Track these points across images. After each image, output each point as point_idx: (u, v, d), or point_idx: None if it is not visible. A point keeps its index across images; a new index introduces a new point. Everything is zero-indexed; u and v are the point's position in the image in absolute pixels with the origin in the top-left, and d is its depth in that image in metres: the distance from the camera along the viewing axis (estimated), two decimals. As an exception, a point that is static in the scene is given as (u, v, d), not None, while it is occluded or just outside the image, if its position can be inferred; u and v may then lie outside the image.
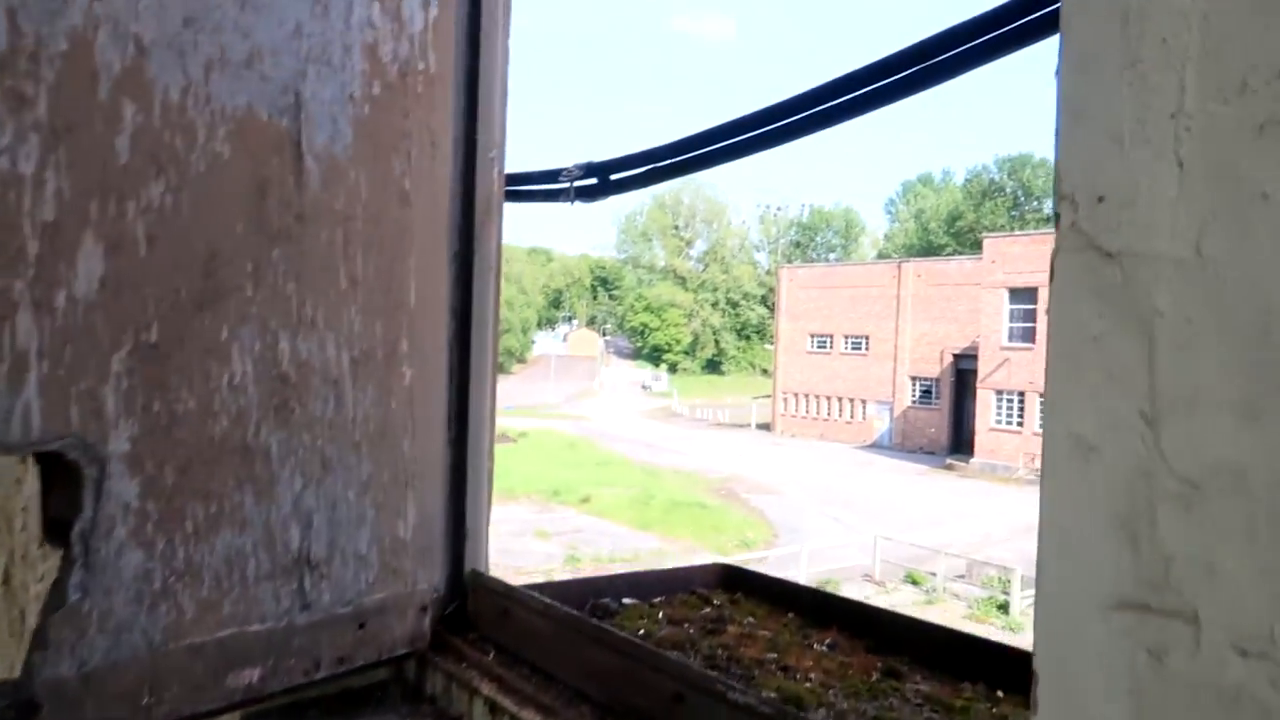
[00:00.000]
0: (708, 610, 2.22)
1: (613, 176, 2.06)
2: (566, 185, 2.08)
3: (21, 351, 1.26)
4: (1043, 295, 42.80)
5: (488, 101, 1.91)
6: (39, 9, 1.22)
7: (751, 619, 2.17)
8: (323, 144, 1.60)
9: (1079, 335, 0.69)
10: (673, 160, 1.97)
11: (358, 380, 1.70)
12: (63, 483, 1.36)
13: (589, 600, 2.16)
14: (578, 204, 2.10)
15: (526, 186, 2.17)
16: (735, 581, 2.40)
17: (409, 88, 1.74)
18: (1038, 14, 1.23)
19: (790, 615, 2.18)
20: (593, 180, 2.08)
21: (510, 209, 2.39)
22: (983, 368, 46.67)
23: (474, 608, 1.93)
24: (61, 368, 1.30)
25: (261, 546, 1.58)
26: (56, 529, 1.38)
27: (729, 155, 1.86)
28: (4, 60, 1.19)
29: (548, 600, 1.78)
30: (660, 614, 2.17)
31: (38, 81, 1.23)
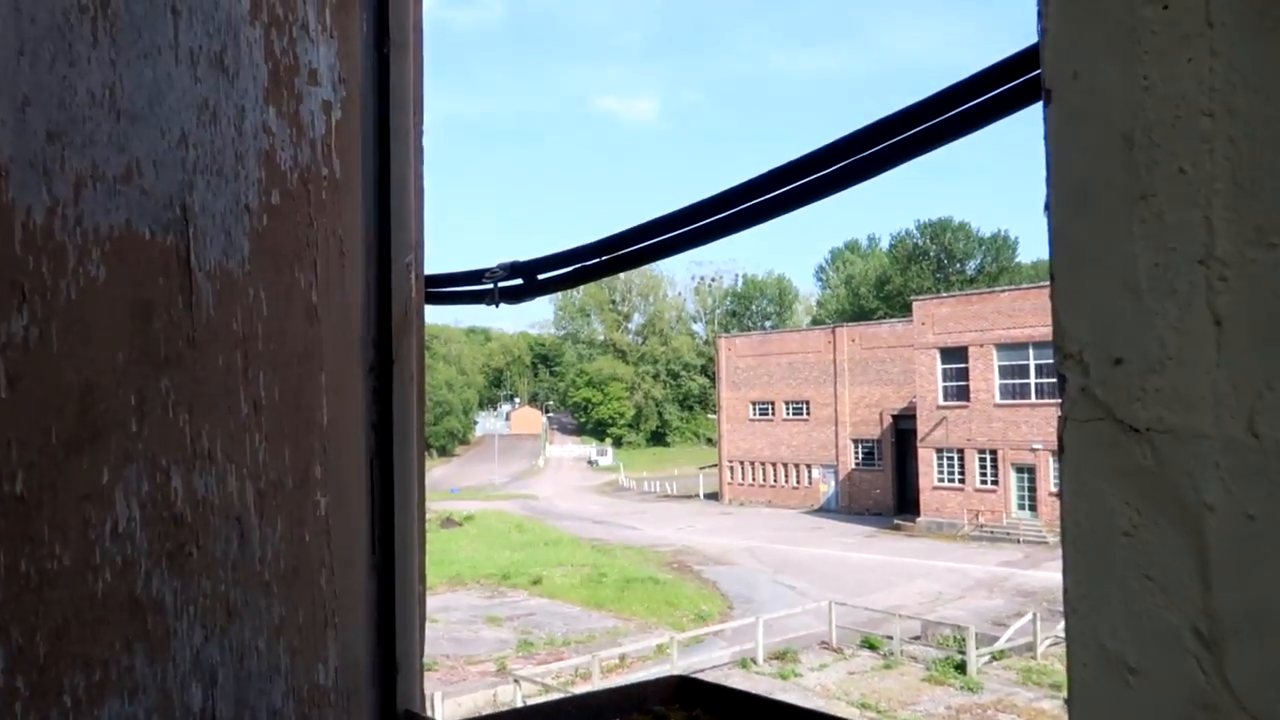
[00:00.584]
0: (664, 731, 2.05)
1: (539, 276, 1.96)
2: (490, 286, 1.97)
3: None
4: (972, 353, 43.74)
5: (400, 204, 1.80)
6: None
7: (711, 738, 2.00)
8: (216, 259, 1.47)
9: (1105, 527, 0.56)
10: (600, 259, 1.87)
11: (265, 514, 1.54)
12: (-92, 666, 1.17)
13: (534, 729, 1.98)
14: (503, 306, 1.99)
15: (449, 289, 2.05)
16: (693, 696, 2.23)
17: (312, 195, 1.61)
18: (1012, 84, 1.15)
19: (752, 731, 2.02)
20: (518, 281, 1.97)
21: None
22: (921, 427, 47.28)
23: (406, 754, 1.74)
24: (-97, 534, 1.13)
25: (156, 712, 1.39)
26: (-98, 719, 1.19)
27: (661, 252, 1.77)
28: None
29: (485, 745, 1.60)
30: (613, 740, 1.99)
31: None
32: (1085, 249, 0.58)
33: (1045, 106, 0.59)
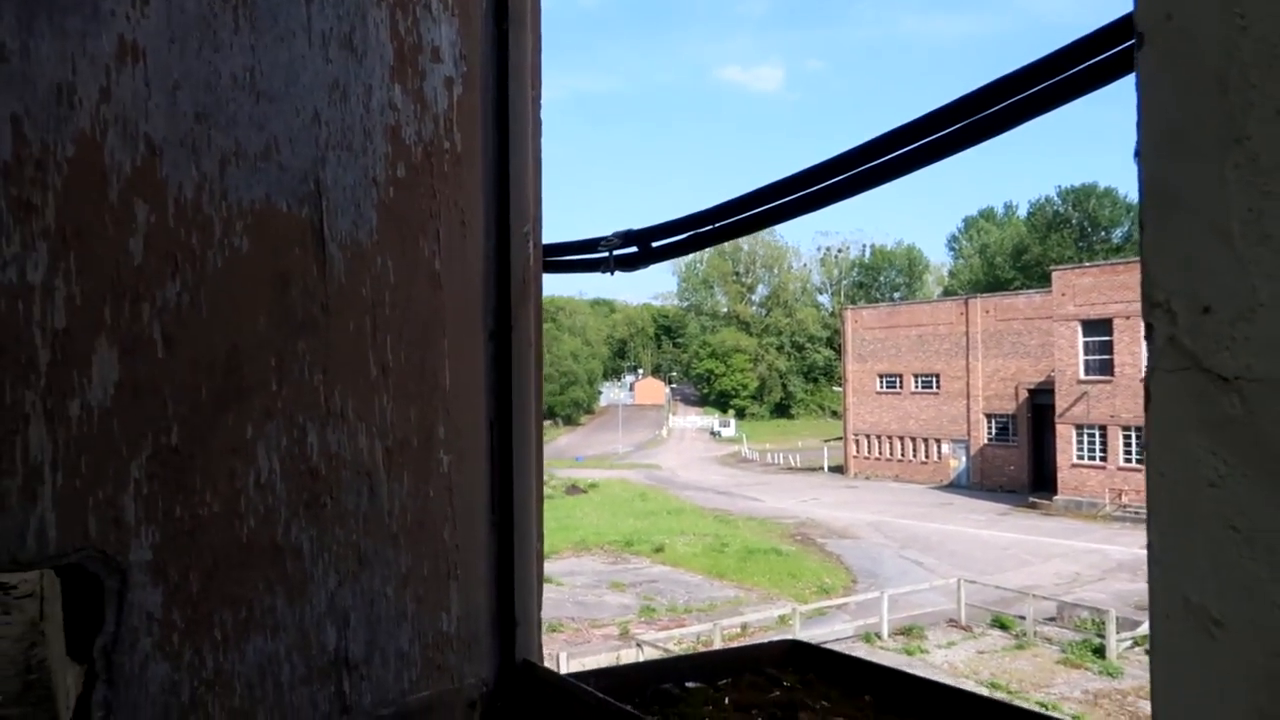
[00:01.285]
0: (777, 694, 2.07)
1: (654, 244, 1.99)
2: (606, 255, 2.01)
3: (35, 465, 1.22)
4: (1117, 326, 41.55)
5: (519, 176, 1.86)
6: (44, 115, 1.19)
7: (825, 703, 2.02)
8: (346, 231, 1.55)
9: (1191, 478, 0.54)
10: (715, 226, 1.88)
11: (392, 470, 1.63)
12: (83, 596, 1.30)
13: (650, 686, 2.04)
14: (622, 274, 2.03)
15: (565, 257, 2.11)
16: (806, 660, 2.25)
17: (435, 168, 1.69)
18: (1106, 54, 1.10)
19: (867, 698, 2.03)
20: (633, 249, 2.00)
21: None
22: (1060, 402, 45.33)
23: (526, 701, 1.83)
24: (77, 478, 1.25)
25: (295, 650, 1.50)
26: (79, 644, 1.33)
27: (773, 218, 1.77)
28: (8, 169, 1.16)
29: (600, 696, 1.67)
30: (726, 699, 2.03)
31: (45, 189, 1.20)
32: (1176, 195, 0.57)
33: (1137, 50, 0.57)
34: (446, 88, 1.71)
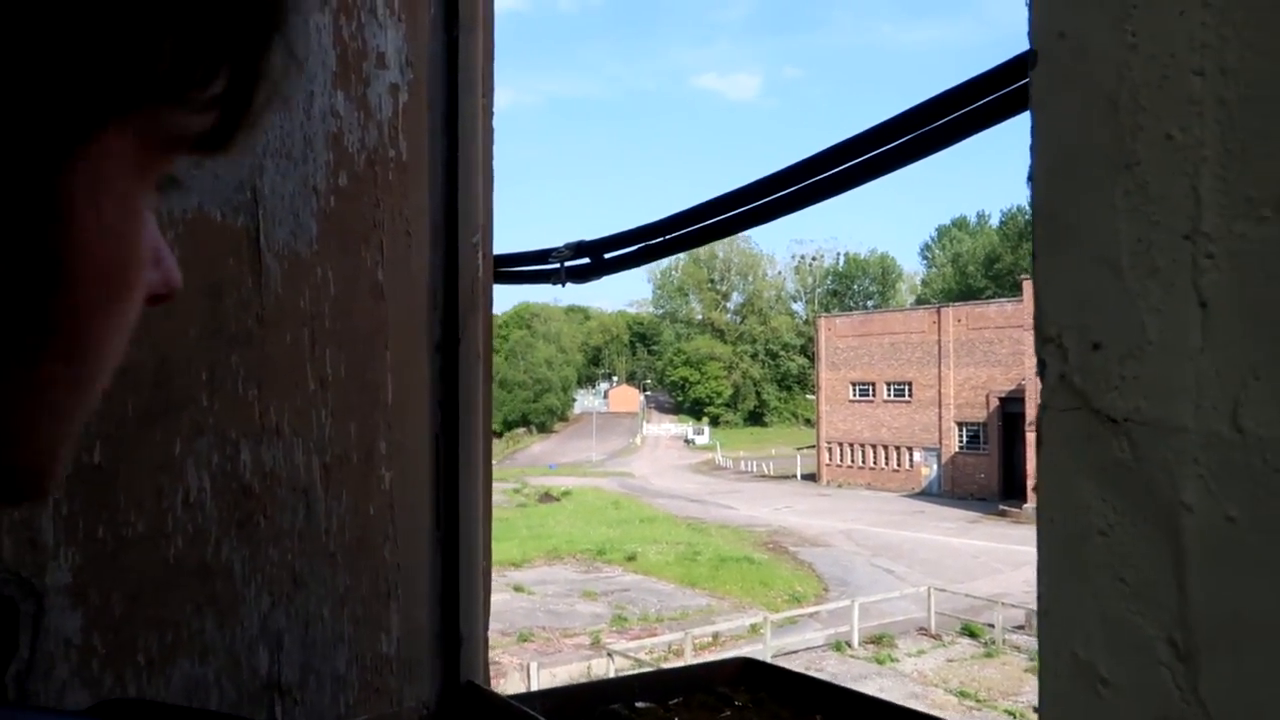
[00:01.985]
0: (728, 713, 2.04)
1: (605, 256, 1.96)
2: (557, 266, 1.98)
3: (-57, 485, 1.16)
4: (1087, 335, 42.00)
5: (468, 185, 1.82)
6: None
7: (775, 722, 1.99)
8: (284, 240, 1.51)
9: (1081, 525, 0.51)
10: (666, 238, 1.86)
11: (330, 487, 1.59)
12: (-4, 621, 1.25)
13: (599, 706, 2.00)
14: (570, 285, 2.00)
15: (516, 268, 2.08)
16: (759, 679, 2.23)
17: (378, 177, 1.65)
18: (1005, 90, 1.09)
19: (818, 718, 2.01)
20: (584, 260, 1.98)
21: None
22: (1030, 411, 45.77)
23: (469, 724, 1.78)
24: (-10, 499, 1.20)
25: (225, 674, 1.46)
26: (-8, 671, 1.27)
27: (722, 231, 1.75)
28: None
29: None
30: (676, 719, 2.00)
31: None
32: (1067, 223, 0.54)
33: (1031, 68, 0.55)
34: (392, 94, 1.68)
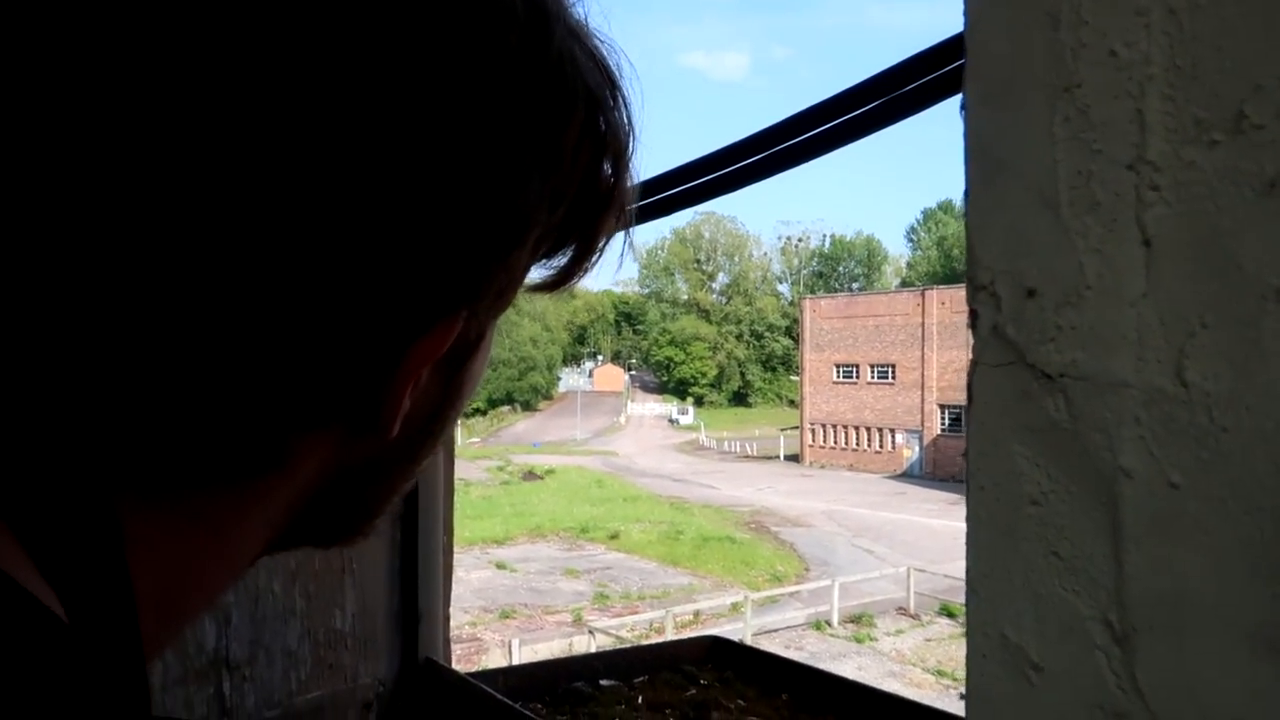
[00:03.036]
0: (693, 692, 2.02)
1: None
2: None
3: None
4: (1070, 319, 42.33)
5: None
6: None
7: (741, 701, 1.97)
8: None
9: (1012, 493, 0.47)
10: (646, 200, 1.81)
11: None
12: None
13: (562, 684, 1.98)
14: None
15: None
16: (726, 657, 2.20)
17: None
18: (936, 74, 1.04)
19: (784, 697, 1.98)
20: None
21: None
22: (1011, 393, 46.05)
23: (427, 702, 1.75)
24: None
25: (170, 649, 1.41)
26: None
27: (685, 201, 1.71)
28: None
29: (500, 699, 1.60)
30: (640, 698, 1.98)
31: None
32: (1001, 156, 0.49)
33: None
34: None
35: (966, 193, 0.50)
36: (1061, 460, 0.46)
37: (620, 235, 0.47)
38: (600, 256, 0.47)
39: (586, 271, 0.47)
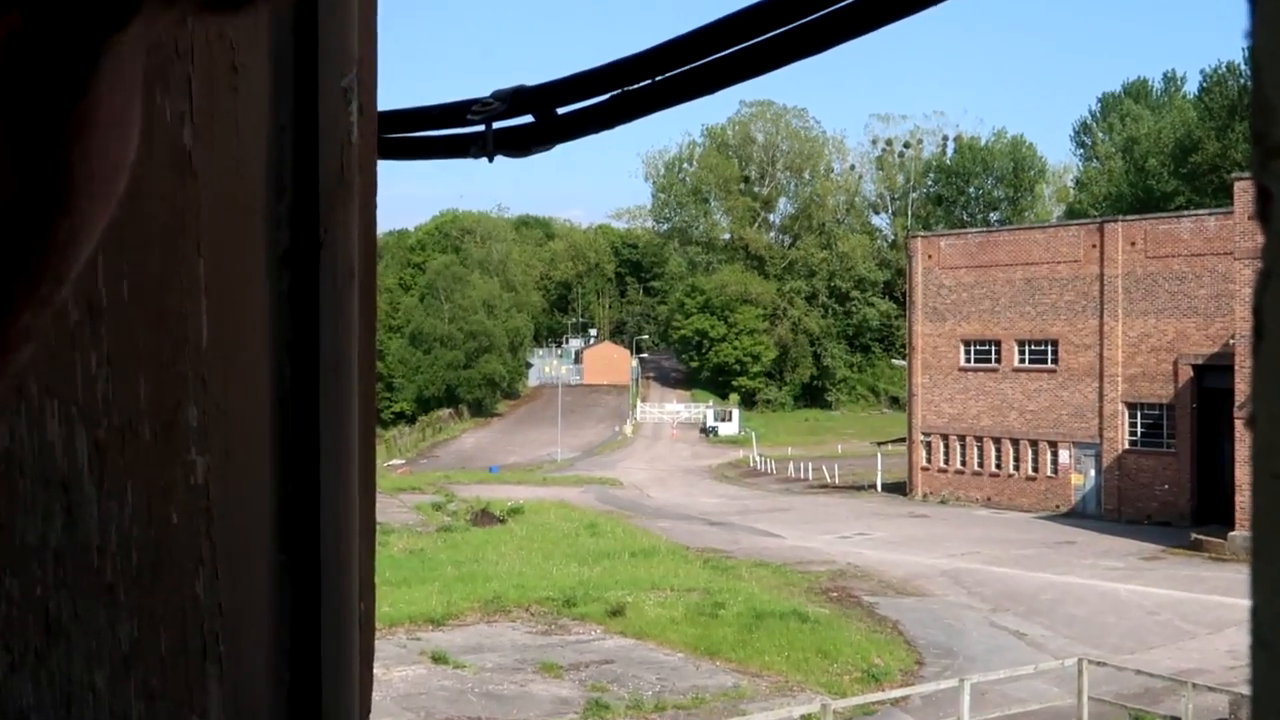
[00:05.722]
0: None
1: (559, 111, 1.93)
2: (481, 130, 1.95)
3: None
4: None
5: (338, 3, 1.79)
6: None
7: None
8: (24, 75, 1.47)
9: None
10: (656, 81, 1.83)
11: (106, 479, 1.56)
12: None
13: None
14: (501, 159, 1.97)
15: (415, 134, 2.05)
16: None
17: (181, -27, 1.60)
18: None
19: None
20: (526, 119, 1.94)
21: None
22: (1244, 384, 46.11)
23: None
24: None
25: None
26: None
27: (751, 67, 1.71)
28: None
29: None
30: None
31: None
32: None
33: None
34: None
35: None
36: None
37: None
38: None
39: None
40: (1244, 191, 44.44)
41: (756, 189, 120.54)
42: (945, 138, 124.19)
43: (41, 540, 1.52)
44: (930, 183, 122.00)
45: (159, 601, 1.61)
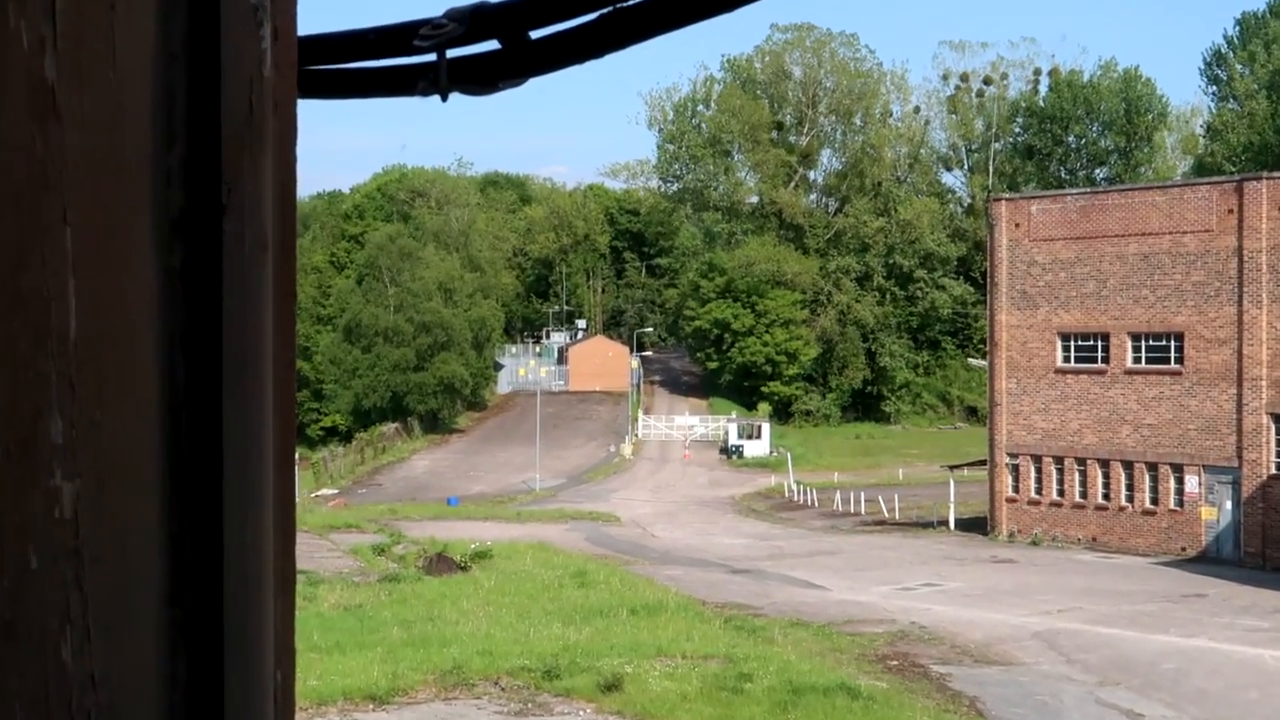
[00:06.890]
0: None
1: (531, 35, 1.93)
2: (431, 60, 1.96)
3: None
4: None
5: (238, -121, 1.81)
6: None
7: None
8: None
9: None
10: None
11: (-56, 513, 1.58)
12: None
13: None
14: (458, 97, 1.98)
15: (346, 64, 2.05)
16: None
17: None
18: None
19: None
20: (490, 45, 1.95)
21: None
22: None
23: None
24: None
25: None
26: None
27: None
28: None
29: None
30: None
31: None
32: None
33: None
34: None
35: None
36: None
37: None
38: None
39: None
40: None
41: (792, 139, 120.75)
42: (1037, 72, 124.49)
43: None
44: (1018, 130, 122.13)
45: (12, 674, 1.62)
